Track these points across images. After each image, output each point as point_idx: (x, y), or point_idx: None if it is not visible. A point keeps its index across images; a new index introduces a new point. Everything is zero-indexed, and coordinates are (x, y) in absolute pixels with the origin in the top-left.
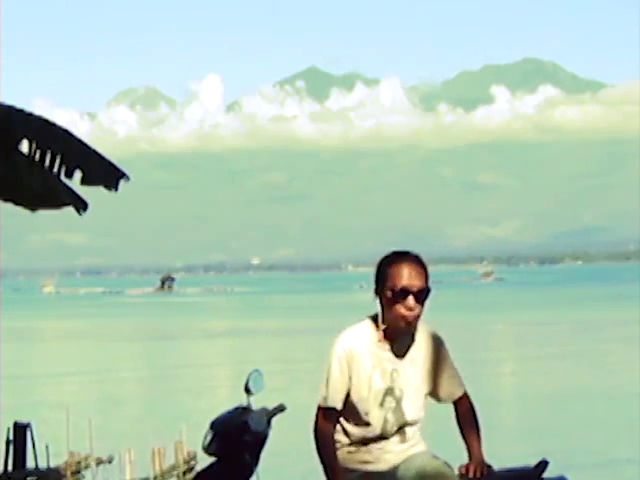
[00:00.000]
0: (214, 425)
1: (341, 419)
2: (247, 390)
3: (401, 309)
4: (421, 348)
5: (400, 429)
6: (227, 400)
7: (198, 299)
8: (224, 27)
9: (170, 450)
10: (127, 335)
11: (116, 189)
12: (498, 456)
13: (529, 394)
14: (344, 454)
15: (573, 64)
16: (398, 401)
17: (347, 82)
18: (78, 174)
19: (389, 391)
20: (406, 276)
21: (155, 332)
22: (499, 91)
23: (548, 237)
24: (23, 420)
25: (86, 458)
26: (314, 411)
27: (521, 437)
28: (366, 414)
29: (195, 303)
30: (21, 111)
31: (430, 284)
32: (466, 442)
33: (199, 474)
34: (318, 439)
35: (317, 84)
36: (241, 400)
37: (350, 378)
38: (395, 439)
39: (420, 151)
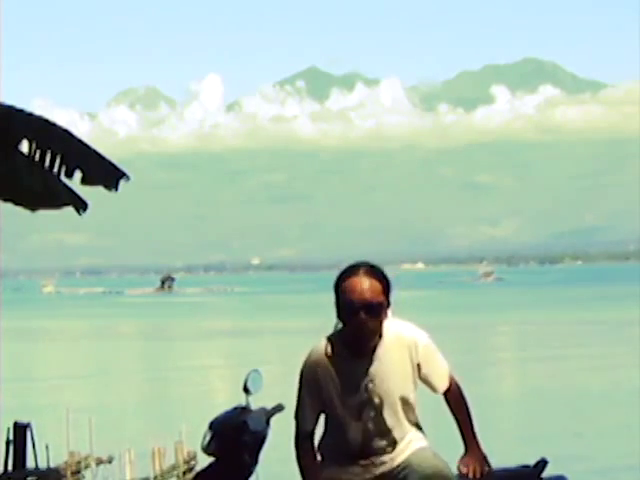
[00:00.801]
0: (213, 425)
1: (324, 438)
2: (246, 390)
3: (354, 324)
4: (394, 350)
5: (386, 437)
6: (226, 400)
7: (198, 299)
8: (224, 27)
9: (170, 450)
10: (127, 335)
11: (116, 189)
12: (498, 456)
13: (529, 394)
14: (333, 473)
15: (573, 64)
16: (378, 410)
17: (347, 82)
18: (78, 174)
19: (365, 403)
20: (356, 291)
21: (155, 332)
22: (499, 91)
23: (548, 237)
24: (23, 420)
25: (86, 458)
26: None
27: (521, 438)
28: (342, 428)
29: (195, 303)
30: (21, 111)
31: (386, 296)
32: (461, 433)
33: (198, 474)
34: (298, 459)
35: (317, 84)
36: (241, 400)
37: (321, 398)
38: (382, 449)
39: (420, 151)
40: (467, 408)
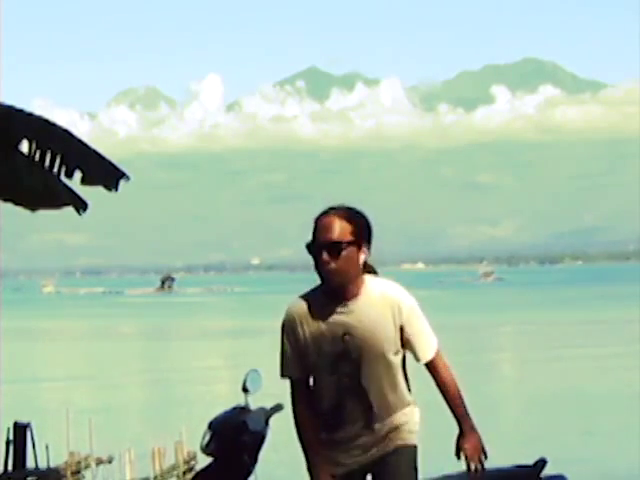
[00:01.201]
0: (212, 425)
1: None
2: (245, 390)
3: (318, 264)
4: (377, 307)
5: (363, 401)
6: (226, 400)
7: (198, 299)
8: (224, 27)
9: (170, 450)
10: (127, 335)
11: (116, 189)
12: (498, 457)
13: (529, 394)
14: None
15: (573, 64)
16: (355, 365)
17: (347, 82)
18: (78, 174)
19: (342, 355)
20: (322, 230)
21: (155, 332)
22: (499, 91)
23: (548, 237)
24: (23, 420)
25: (86, 458)
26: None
27: (521, 438)
28: (317, 382)
29: (195, 303)
30: (21, 111)
31: (358, 238)
32: (452, 412)
33: (198, 474)
34: (295, 419)
35: (317, 84)
36: (240, 400)
37: (298, 344)
38: (361, 423)
39: (420, 151)
40: (456, 386)
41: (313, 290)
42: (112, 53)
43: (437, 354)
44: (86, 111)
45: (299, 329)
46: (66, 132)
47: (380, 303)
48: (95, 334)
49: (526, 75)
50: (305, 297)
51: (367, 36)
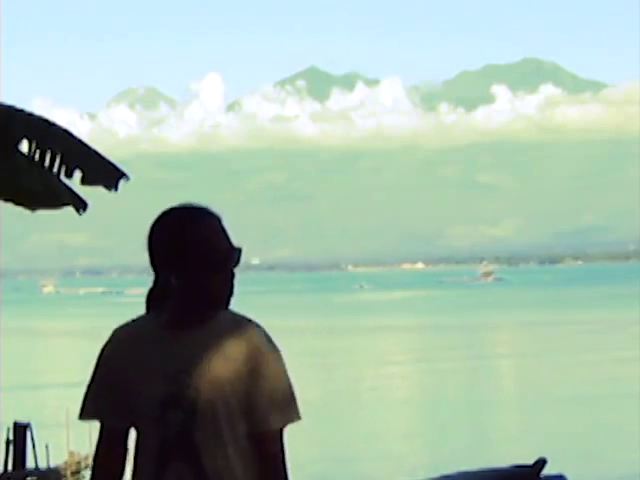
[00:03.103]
0: None
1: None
2: None
3: (232, 279)
4: (228, 340)
5: (193, 463)
6: None
7: None
8: (224, 27)
9: None
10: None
11: (116, 189)
12: (497, 456)
13: (529, 394)
14: None
15: (573, 64)
16: (189, 415)
17: (347, 82)
18: (78, 174)
19: (172, 400)
20: (220, 234)
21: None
22: (500, 91)
23: (548, 237)
24: (23, 420)
25: (86, 458)
26: (312, 409)
27: (521, 437)
28: (142, 434)
29: None
30: (21, 111)
31: (207, 253)
32: None
33: None
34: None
35: (317, 84)
36: None
37: (113, 379)
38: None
39: (420, 151)
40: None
41: (144, 314)
42: (112, 53)
43: (279, 432)
44: (86, 111)
45: (120, 360)
46: (66, 132)
47: (234, 336)
48: (95, 334)
49: (526, 75)
50: (137, 320)
51: (367, 36)
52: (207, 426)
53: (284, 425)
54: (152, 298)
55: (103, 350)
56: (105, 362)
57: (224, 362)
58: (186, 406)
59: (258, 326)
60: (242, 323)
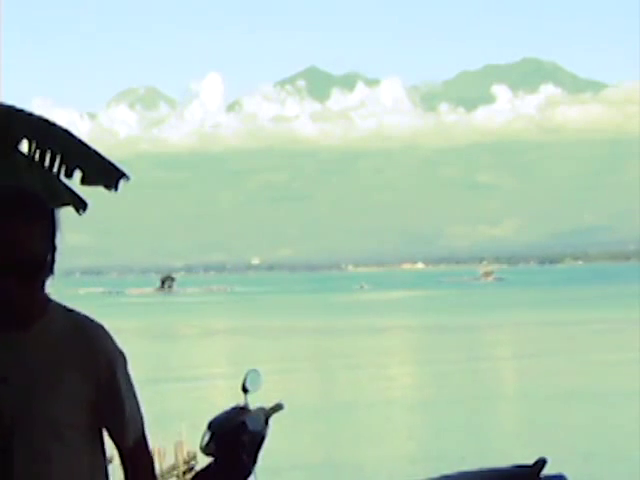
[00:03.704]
0: (212, 425)
1: None
2: (244, 389)
3: None
4: (64, 345)
5: None
6: (226, 400)
7: (198, 299)
8: (224, 27)
9: (170, 450)
10: (127, 335)
11: (116, 189)
12: (497, 456)
13: (529, 394)
14: None
15: (573, 64)
16: (7, 435)
17: (347, 82)
18: (78, 174)
19: None
20: None
21: (155, 332)
22: (500, 91)
23: (548, 237)
24: None
25: None
26: (312, 409)
27: (521, 437)
28: None
29: (195, 303)
30: (21, 111)
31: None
32: None
33: (197, 474)
34: None
35: (317, 84)
36: (240, 400)
37: None
38: None
39: (421, 151)
40: None
41: None
42: (112, 53)
43: (140, 441)
44: (86, 111)
45: None
46: (66, 132)
47: (72, 340)
48: None
49: (526, 75)
50: None
51: (367, 36)
52: (31, 449)
53: (142, 435)
54: None
55: None
56: None
57: (61, 372)
58: (5, 421)
59: (103, 327)
60: (85, 324)
